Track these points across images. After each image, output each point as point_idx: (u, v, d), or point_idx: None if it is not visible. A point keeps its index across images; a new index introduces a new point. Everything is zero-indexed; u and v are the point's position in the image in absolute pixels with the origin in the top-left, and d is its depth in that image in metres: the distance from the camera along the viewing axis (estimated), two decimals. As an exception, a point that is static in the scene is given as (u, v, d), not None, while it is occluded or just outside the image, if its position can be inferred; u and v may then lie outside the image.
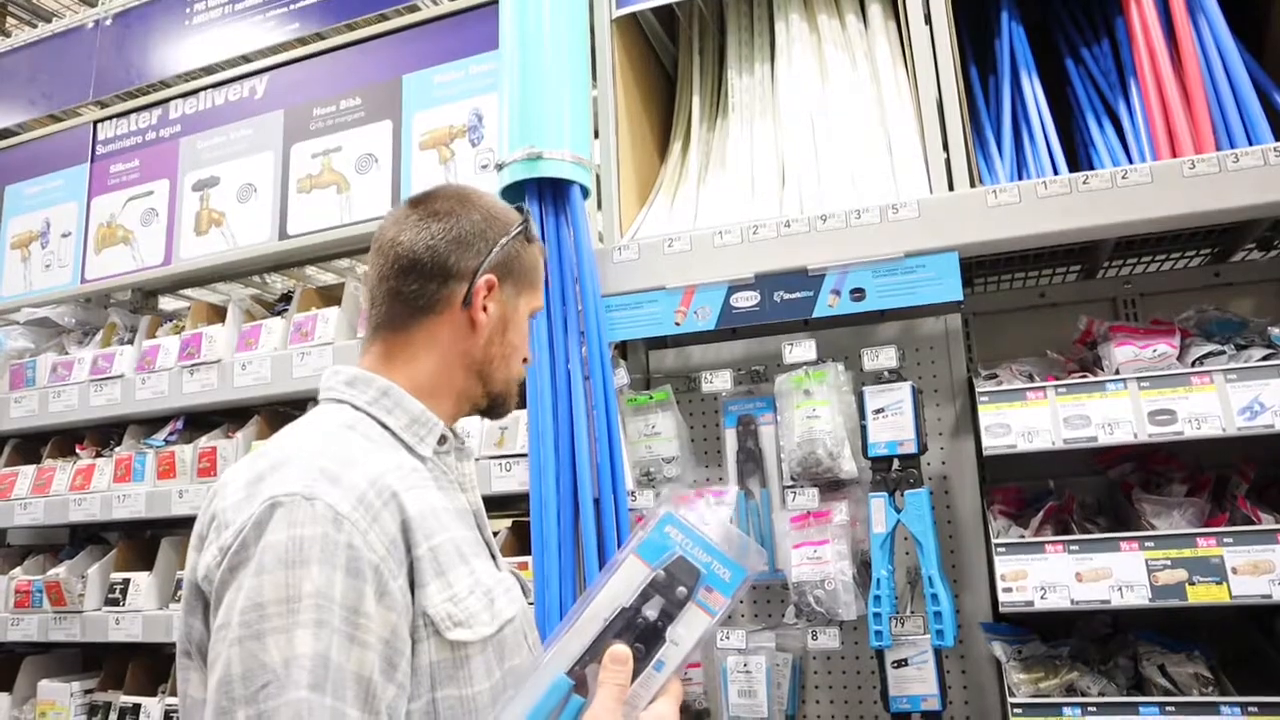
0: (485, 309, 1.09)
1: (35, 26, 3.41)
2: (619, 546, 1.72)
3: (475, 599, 0.96)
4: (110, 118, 2.96)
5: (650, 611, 0.87)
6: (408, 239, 1.07)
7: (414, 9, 2.52)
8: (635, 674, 0.85)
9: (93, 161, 2.96)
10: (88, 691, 2.56)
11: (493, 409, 1.16)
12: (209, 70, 2.85)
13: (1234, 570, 1.43)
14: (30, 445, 2.90)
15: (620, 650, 0.85)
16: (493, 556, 1.09)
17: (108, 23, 3.08)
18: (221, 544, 0.86)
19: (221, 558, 0.85)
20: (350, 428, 1.01)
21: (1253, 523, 1.51)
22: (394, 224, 1.10)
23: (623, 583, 0.88)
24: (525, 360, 1.18)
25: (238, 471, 0.94)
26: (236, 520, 0.87)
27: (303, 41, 2.70)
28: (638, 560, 0.88)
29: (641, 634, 0.86)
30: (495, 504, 1.76)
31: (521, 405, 1.65)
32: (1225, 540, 1.44)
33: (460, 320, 1.08)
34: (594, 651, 0.86)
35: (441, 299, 1.07)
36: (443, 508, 1.00)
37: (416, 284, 1.06)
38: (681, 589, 0.87)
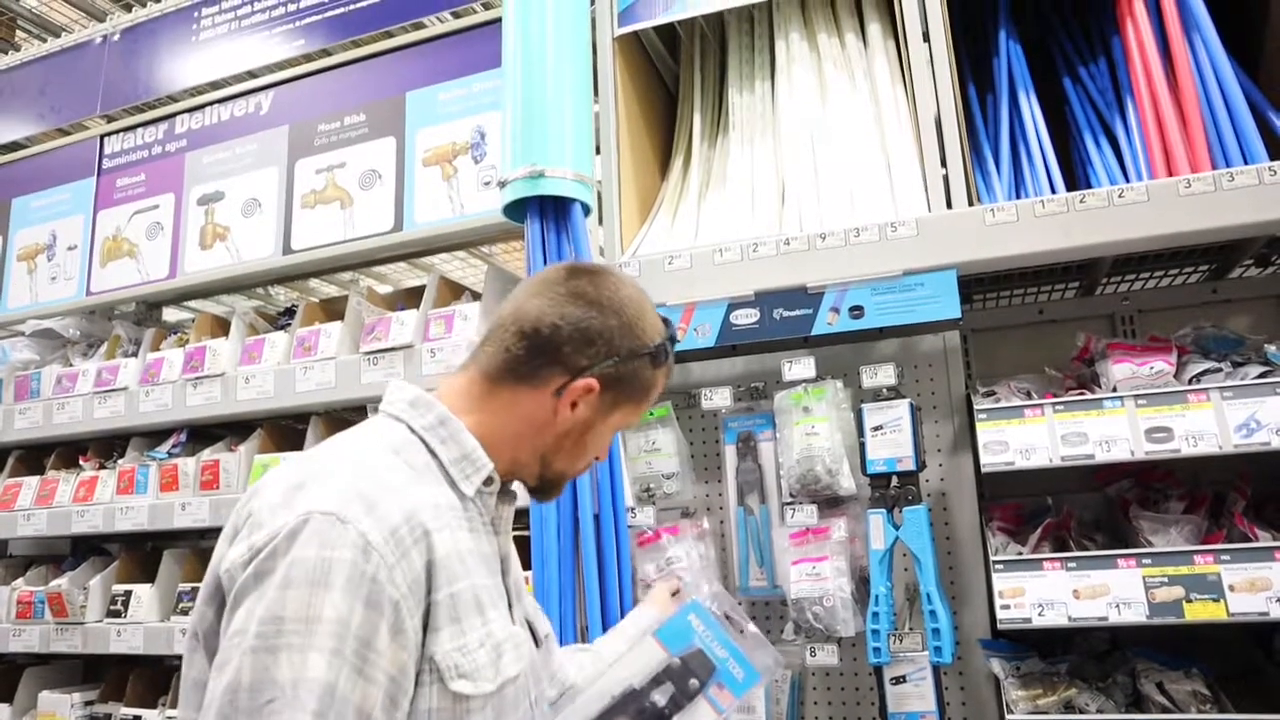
0: (574, 406, 1.08)
1: (44, 41, 3.44)
2: (618, 562, 1.74)
3: (484, 653, 0.96)
4: (117, 132, 3.00)
5: (659, 697, 0.87)
6: (540, 306, 1.07)
7: (420, 26, 2.55)
8: None
9: (99, 175, 2.99)
10: (88, 703, 2.56)
11: (540, 491, 1.16)
12: (215, 85, 2.88)
13: (1231, 587, 1.43)
14: (34, 456, 2.91)
15: None
16: (510, 606, 1.09)
17: (115, 38, 3.12)
18: (252, 543, 0.87)
19: (250, 557, 0.86)
20: (397, 452, 1.01)
21: (1250, 540, 1.51)
22: (542, 285, 1.10)
23: (637, 662, 0.87)
24: (597, 458, 1.17)
25: (281, 473, 0.95)
26: (270, 524, 0.88)
27: (308, 58, 2.73)
28: (656, 644, 0.88)
29: (646, 719, 0.86)
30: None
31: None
32: (1222, 557, 1.45)
33: (546, 403, 1.07)
34: None
35: (539, 376, 1.07)
36: (469, 550, 1.00)
37: (524, 351, 1.06)
38: (694, 681, 0.86)
